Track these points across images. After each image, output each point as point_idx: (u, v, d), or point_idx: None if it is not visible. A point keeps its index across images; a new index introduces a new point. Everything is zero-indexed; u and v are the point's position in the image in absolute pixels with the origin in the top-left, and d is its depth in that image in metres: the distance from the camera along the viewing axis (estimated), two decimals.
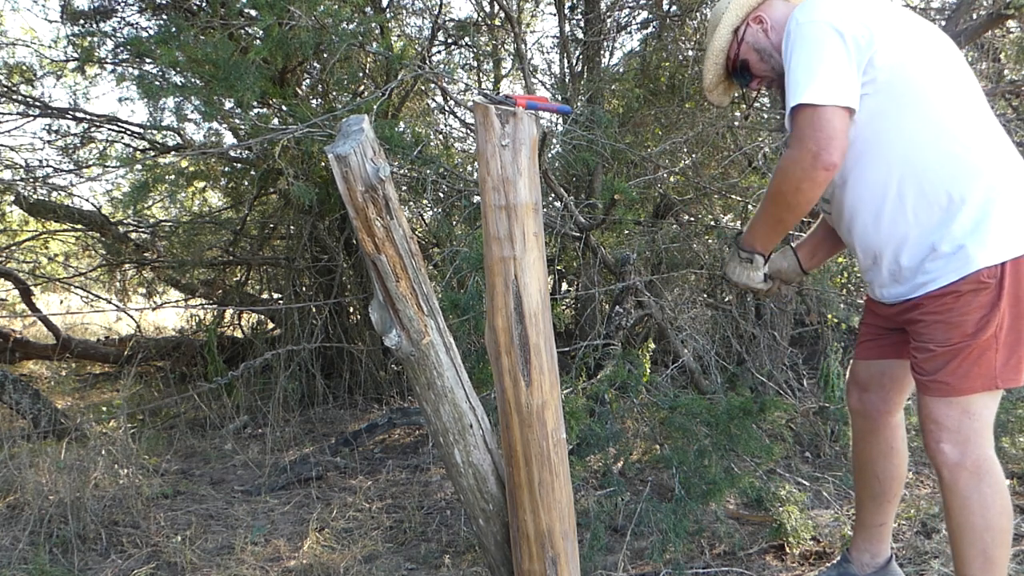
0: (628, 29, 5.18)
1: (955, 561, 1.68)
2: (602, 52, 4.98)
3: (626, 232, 4.27)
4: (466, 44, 5.48)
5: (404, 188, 4.03)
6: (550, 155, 3.82)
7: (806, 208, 1.65)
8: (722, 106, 2.10)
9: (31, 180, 5.08)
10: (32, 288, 5.75)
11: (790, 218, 1.70)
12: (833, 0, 1.63)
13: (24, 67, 5.06)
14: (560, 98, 4.90)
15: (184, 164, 4.76)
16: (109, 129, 5.15)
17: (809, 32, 1.59)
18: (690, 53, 4.51)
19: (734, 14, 1.83)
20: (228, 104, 3.67)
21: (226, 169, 5.06)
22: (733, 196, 4.44)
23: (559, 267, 4.79)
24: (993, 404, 1.63)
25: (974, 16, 3.95)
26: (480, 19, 5.36)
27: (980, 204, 1.55)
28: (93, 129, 5.18)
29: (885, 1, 1.69)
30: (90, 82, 5.14)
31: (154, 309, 6.05)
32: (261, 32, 3.57)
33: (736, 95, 2.04)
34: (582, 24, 4.98)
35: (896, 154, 1.60)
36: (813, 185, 1.57)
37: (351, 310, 5.11)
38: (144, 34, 4.50)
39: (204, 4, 4.35)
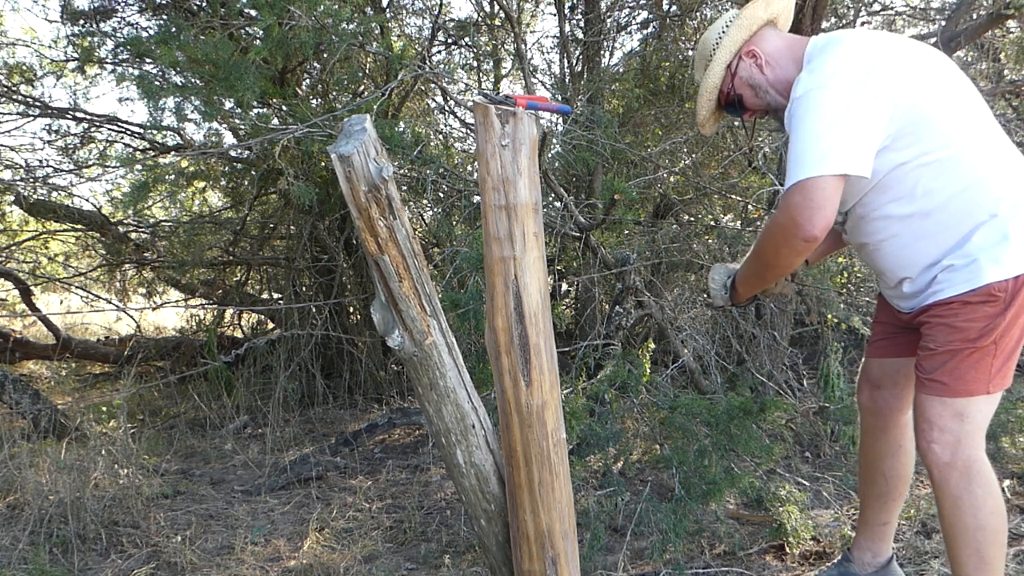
0: (628, 29, 5.19)
1: (950, 562, 1.69)
2: (602, 52, 4.98)
3: (626, 232, 4.27)
4: (466, 44, 5.48)
5: (404, 188, 4.03)
6: (550, 155, 3.82)
7: (785, 271, 1.66)
8: (712, 134, 2.09)
9: (31, 180, 5.08)
10: (32, 288, 5.75)
11: (769, 276, 1.74)
12: (841, 57, 1.57)
13: (24, 67, 5.06)
14: (560, 98, 4.90)
15: (184, 164, 4.76)
16: (109, 129, 5.16)
17: (816, 102, 1.53)
18: (690, 53, 4.51)
19: (727, 51, 1.78)
20: (228, 104, 3.67)
21: (226, 169, 5.06)
22: (733, 196, 4.44)
23: (559, 267, 4.79)
24: (988, 408, 1.64)
25: (974, 16, 3.96)
26: (480, 19, 5.36)
27: (997, 223, 1.56)
28: (93, 129, 5.18)
29: (885, 37, 1.64)
30: (90, 82, 5.15)
31: (154, 309, 6.05)
32: (261, 32, 3.57)
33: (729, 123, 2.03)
34: (582, 24, 4.98)
35: (919, 191, 1.60)
36: (792, 253, 1.57)
37: (351, 310, 5.11)
38: (144, 34, 4.50)
39: (204, 4, 4.35)
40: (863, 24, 4.94)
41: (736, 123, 4.16)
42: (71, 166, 5.23)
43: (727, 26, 1.79)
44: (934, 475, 1.65)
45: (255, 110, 3.89)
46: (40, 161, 5.22)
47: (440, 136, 5.58)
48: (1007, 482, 2.80)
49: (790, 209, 1.51)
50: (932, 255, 1.63)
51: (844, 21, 4.85)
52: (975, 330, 1.58)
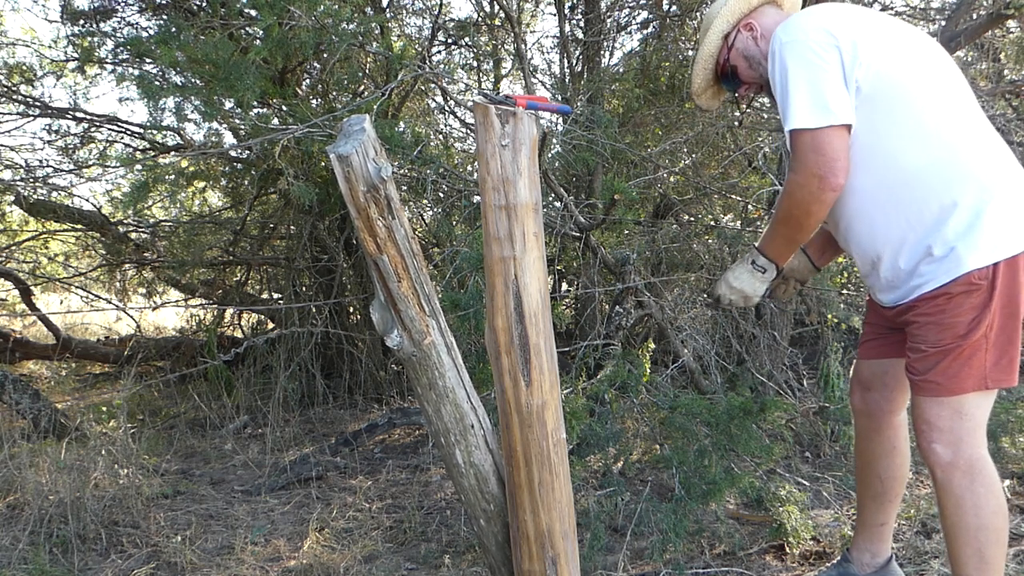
0: (628, 29, 5.18)
1: (951, 561, 1.69)
2: (602, 52, 4.97)
3: (626, 232, 4.27)
4: (466, 44, 5.48)
5: (404, 188, 4.04)
6: (550, 155, 3.82)
7: (816, 226, 1.69)
8: (710, 110, 2.11)
9: (31, 180, 5.08)
10: (32, 288, 5.75)
11: (802, 237, 1.76)
12: (814, 15, 1.63)
13: (24, 67, 5.06)
14: (560, 98, 4.90)
15: (184, 164, 4.76)
16: (109, 129, 5.16)
17: (795, 52, 1.59)
18: (690, 53, 4.51)
19: (725, 20, 1.84)
20: (228, 104, 3.67)
21: (226, 169, 5.06)
22: (733, 196, 4.44)
23: (559, 267, 4.79)
24: (986, 404, 1.64)
25: (974, 16, 3.95)
26: (480, 19, 5.36)
27: (972, 206, 1.55)
28: (93, 129, 5.18)
29: (866, 9, 1.70)
30: (90, 82, 5.15)
31: (154, 309, 6.05)
32: (261, 32, 3.57)
33: (728, 99, 2.05)
34: (582, 24, 4.98)
35: (887, 162, 1.61)
36: (822, 207, 1.61)
37: (351, 310, 5.11)
38: (144, 34, 4.50)
39: (204, 4, 4.35)
40: None
41: (737, 123, 4.16)
42: (71, 166, 5.23)
43: None
44: (937, 475, 1.64)
45: (255, 110, 3.89)
46: (40, 161, 5.23)
47: (440, 136, 5.58)
48: (1007, 482, 2.80)
49: (809, 167, 1.57)
50: (905, 235, 1.62)
51: None
52: (963, 325, 1.57)
